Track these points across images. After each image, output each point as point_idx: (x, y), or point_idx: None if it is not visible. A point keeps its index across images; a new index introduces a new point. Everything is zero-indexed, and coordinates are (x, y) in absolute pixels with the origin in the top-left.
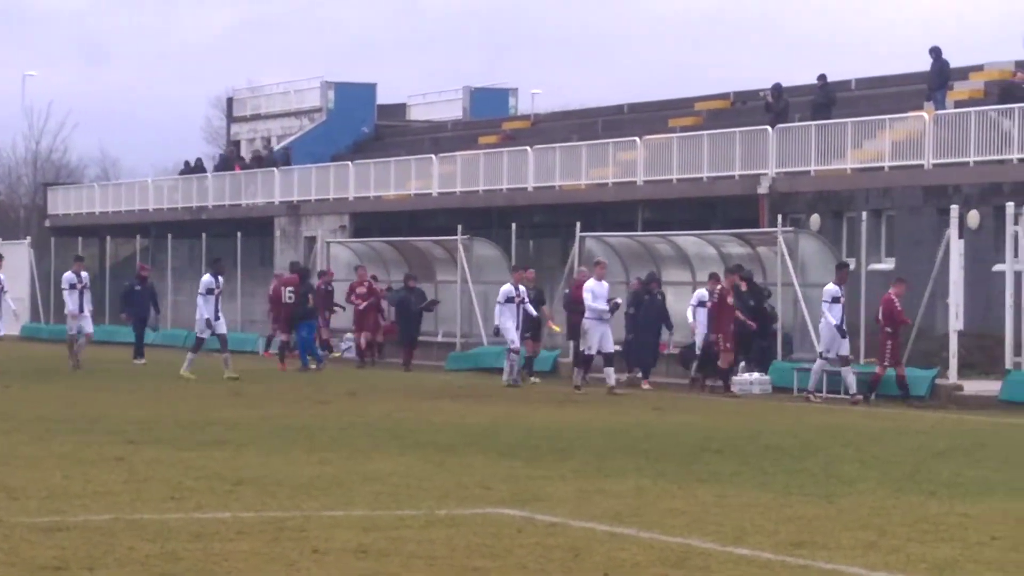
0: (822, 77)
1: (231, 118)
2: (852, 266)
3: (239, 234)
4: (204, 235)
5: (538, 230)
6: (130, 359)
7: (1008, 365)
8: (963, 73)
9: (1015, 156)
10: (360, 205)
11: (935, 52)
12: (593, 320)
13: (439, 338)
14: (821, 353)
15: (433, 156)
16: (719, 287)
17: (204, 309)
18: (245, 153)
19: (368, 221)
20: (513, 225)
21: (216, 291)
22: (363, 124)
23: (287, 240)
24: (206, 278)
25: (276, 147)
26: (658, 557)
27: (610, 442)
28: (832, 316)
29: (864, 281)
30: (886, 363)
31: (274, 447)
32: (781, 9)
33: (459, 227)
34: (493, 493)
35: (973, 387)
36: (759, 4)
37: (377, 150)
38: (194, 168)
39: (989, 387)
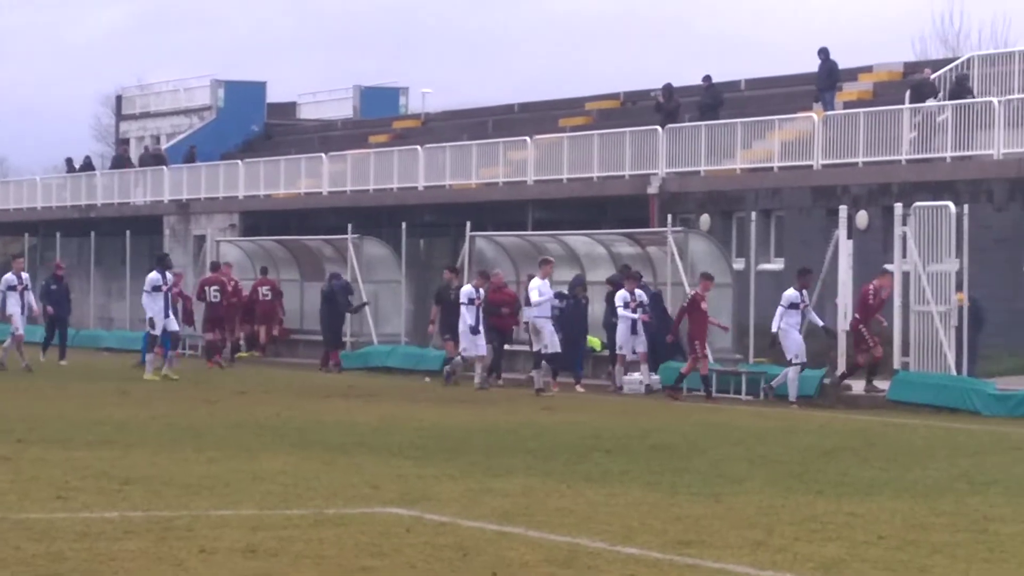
0: (707, 78)
1: (120, 116)
2: (741, 267)
3: (128, 233)
4: (93, 233)
5: (428, 229)
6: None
7: (896, 365)
8: (852, 74)
9: (903, 157)
10: (250, 204)
11: (823, 53)
12: (544, 319)
13: None
14: (791, 360)
15: (323, 155)
16: (693, 291)
17: (150, 308)
18: (135, 151)
19: (258, 220)
20: (403, 224)
21: (164, 288)
22: (253, 123)
23: (177, 239)
24: (152, 275)
25: (166, 145)
26: (546, 556)
27: (499, 442)
28: (787, 320)
29: (753, 281)
30: (869, 346)
31: (162, 446)
32: (672, 9)
33: (349, 226)
34: (382, 492)
35: (861, 387)
36: (650, 4)
37: (267, 149)
38: (82, 167)
39: (877, 387)
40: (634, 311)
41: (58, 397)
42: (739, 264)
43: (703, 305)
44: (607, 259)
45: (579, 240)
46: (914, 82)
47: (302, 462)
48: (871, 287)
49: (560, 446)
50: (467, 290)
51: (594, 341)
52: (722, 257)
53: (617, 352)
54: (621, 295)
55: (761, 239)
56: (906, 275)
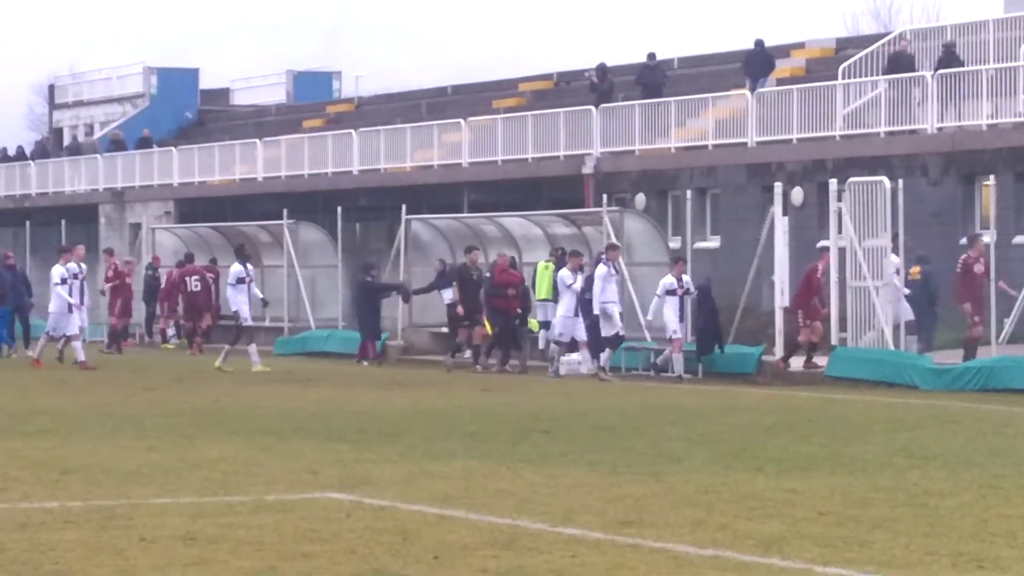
0: (651, 56)
1: (53, 105)
2: (677, 245)
3: (63, 222)
4: (28, 223)
5: (364, 213)
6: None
7: (834, 341)
8: (784, 51)
9: (837, 133)
10: (185, 191)
11: (759, 44)
12: (612, 303)
13: (267, 323)
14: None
15: (257, 140)
16: (817, 265)
17: (234, 301)
18: (68, 139)
19: (193, 207)
20: (339, 209)
21: (248, 280)
22: (186, 109)
23: (112, 227)
24: (236, 267)
25: (99, 133)
26: (487, 539)
27: (437, 424)
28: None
29: (690, 260)
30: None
31: (101, 435)
32: None
33: (284, 211)
34: (321, 478)
35: (799, 363)
36: None
37: (201, 135)
38: (16, 156)
39: (815, 363)
40: (682, 298)
41: None
42: (675, 243)
43: (817, 277)
44: (543, 240)
45: (515, 222)
46: (892, 54)
47: (241, 449)
48: (971, 257)
49: (499, 428)
50: (566, 275)
51: (532, 323)
52: (658, 236)
53: (673, 337)
54: (666, 282)
55: (697, 217)
56: (842, 251)
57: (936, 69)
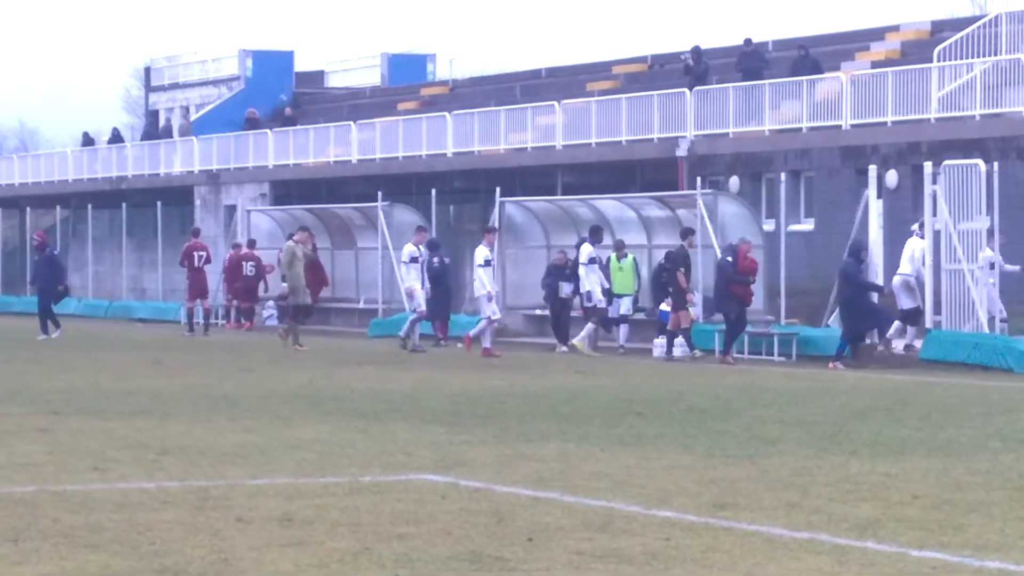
0: (748, 41)
1: (149, 88)
2: (771, 228)
3: (159, 203)
4: (124, 205)
5: (458, 195)
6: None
7: (928, 324)
8: (879, 33)
9: (932, 116)
10: (279, 173)
11: (802, 49)
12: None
13: (360, 305)
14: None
15: (352, 123)
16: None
17: (586, 280)
18: (163, 122)
19: (288, 189)
20: (433, 191)
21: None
22: (281, 92)
23: (207, 209)
24: (587, 248)
25: (195, 116)
26: (582, 521)
27: (532, 406)
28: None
29: (784, 243)
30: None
31: (197, 416)
32: None
33: (379, 194)
34: (416, 459)
35: (894, 346)
36: None
37: (296, 117)
38: (111, 139)
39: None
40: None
41: (92, 368)
42: (769, 225)
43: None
44: (637, 223)
45: (608, 204)
46: None
47: (336, 430)
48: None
49: (593, 410)
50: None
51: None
52: (752, 219)
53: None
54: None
55: (791, 200)
56: (937, 234)
57: None
